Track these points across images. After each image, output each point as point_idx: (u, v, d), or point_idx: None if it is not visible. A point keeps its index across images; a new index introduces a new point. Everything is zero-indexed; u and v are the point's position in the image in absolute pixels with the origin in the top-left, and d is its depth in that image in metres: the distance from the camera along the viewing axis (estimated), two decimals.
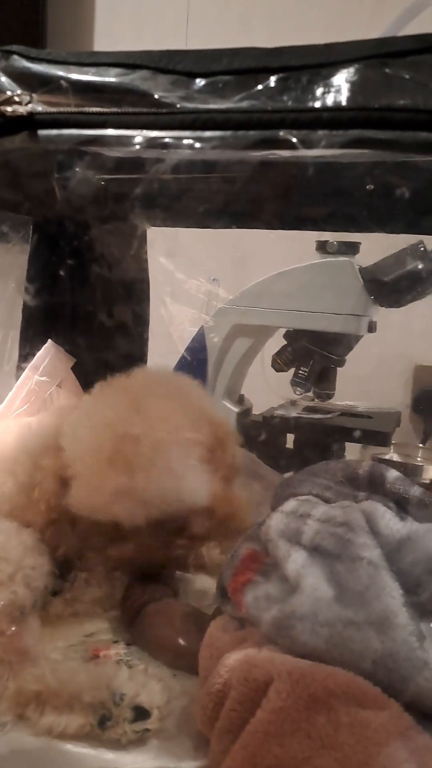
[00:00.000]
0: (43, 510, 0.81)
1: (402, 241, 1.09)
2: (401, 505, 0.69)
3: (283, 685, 0.53)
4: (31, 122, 0.51)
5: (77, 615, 0.81)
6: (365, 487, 0.73)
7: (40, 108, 0.52)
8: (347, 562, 0.60)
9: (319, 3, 1.77)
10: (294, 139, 0.46)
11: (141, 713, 0.61)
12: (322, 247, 1.12)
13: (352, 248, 1.11)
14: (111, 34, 1.87)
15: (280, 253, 1.15)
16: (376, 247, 1.11)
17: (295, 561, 0.62)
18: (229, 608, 0.69)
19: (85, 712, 0.61)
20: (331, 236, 1.11)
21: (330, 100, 0.47)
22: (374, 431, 1.15)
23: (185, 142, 0.49)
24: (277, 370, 1.20)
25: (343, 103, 0.46)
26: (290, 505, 0.69)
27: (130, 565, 0.83)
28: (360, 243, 1.11)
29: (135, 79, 0.52)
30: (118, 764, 0.60)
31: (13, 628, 0.70)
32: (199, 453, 0.78)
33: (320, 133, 0.46)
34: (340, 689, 0.53)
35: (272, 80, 0.49)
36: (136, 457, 0.73)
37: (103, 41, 1.87)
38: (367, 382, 1.39)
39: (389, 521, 0.63)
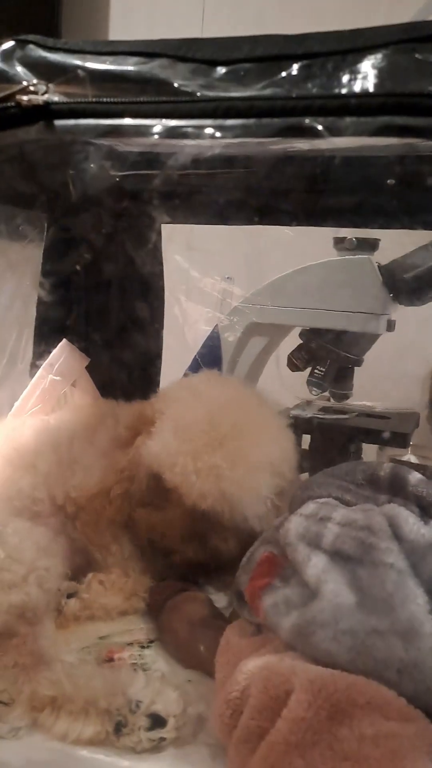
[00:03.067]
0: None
1: (422, 237, 1.07)
2: (424, 509, 0.67)
3: (304, 695, 0.51)
4: (47, 112, 0.50)
5: (93, 618, 0.80)
6: (386, 489, 0.71)
7: (56, 98, 0.50)
8: (370, 568, 0.58)
9: None
10: (320, 127, 0.44)
11: (157, 721, 0.60)
12: (340, 244, 1.10)
13: (371, 245, 1.09)
14: (126, 26, 1.86)
15: (296, 250, 1.13)
16: (396, 244, 1.09)
17: (316, 565, 0.60)
18: (246, 613, 0.68)
19: (101, 719, 0.60)
20: (349, 233, 1.09)
21: (357, 87, 0.45)
22: (392, 432, 1.13)
23: (207, 131, 0.47)
24: (293, 370, 1.18)
25: (371, 89, 0.45)
26: (309, 507, 0.67)
27: (146, 545, 0.84)
28: (379, 240, 1.09)
29: (154, 67, 0.50)
30: None
31: (26, 631, 0.69)
32: (276, 491, 0.81)
33: (348, 120, 0.44)
34: (364, 699, 0.51)
35: (296, 67, 0.47)
36: (241, 450, 0.78)
37: (118, 33, 1.86)
38: (383, 381, 1.37)
39: (413, 526, 0.61)
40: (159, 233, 1.08)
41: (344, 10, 1.72)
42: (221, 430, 0.78)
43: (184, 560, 0.82)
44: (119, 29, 1.87)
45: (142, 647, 0.76)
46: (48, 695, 0.62)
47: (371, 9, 1.68)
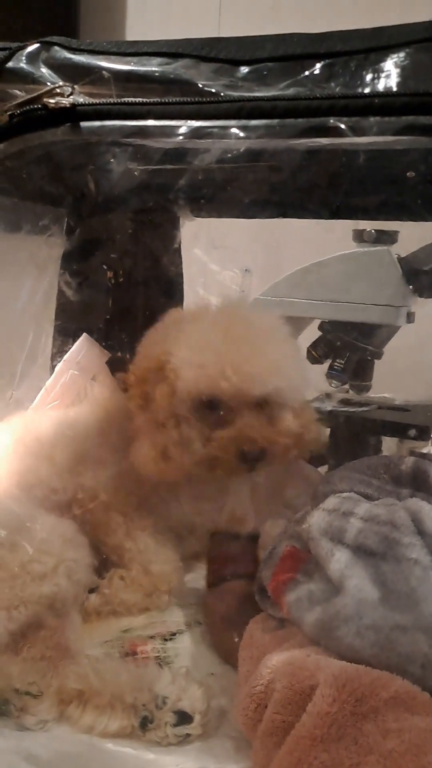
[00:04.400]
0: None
1: None
2: None
3: (329, 690, 0.52)
4: (73, 114, 0.50)
5: (114, 613, 0.81)
6: (408, 484, 0.71)
7: (82, 99, 0.51)
8: (393, 563, 0.59)
9: None
10: (344, 126, 0.44)
11: (183, 718, 0.61)
12: (359, 236, 1.09)
13: (390, 237, 1.08)
14: (142, 19, 1.86)
15: (315, 243, 1.13)
16: (415, 236, 1.08)
17: (339, 561, 0.61)
18: (269, 607, 0.68)
19: (127, 713, 0.61)
20: (368, 225, 1.08)
21: (380, 86, 0.45)
22: (412, 425, 1.13)
23: (231, 131, 0.47)
24: (313, 362, 1.18)
25: (394, 88, 0.45)
26: (332, 502, 0.68)
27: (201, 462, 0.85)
28: (398, 232, 1.08)
29: (177, 68, 0.50)
30: (159, 765, 0.59)
31: (54, 623, 0.70)
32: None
33: (371, 119, 0.44)
34: (388, 694, 0.52)
35: (319, 66, 0.48)
36: (264, 337, 0.86)
37: (136, 30, 1.86)
38: (402, 374, 1.37)
39: None
40: (179, 228, 1.08)
41: (361, 6, 1.70)
42: (236, 331, 0.84)
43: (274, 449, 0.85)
44: (136, 26, 1.87)
45: (165, 640, 0.77)
46: (75, 689, 0.63)
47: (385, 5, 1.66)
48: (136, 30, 1.87)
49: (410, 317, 1.10)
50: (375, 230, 1.07)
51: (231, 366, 0.80)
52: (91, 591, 0.82)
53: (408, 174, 0.79)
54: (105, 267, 1.06)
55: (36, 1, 1.69)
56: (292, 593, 0.63)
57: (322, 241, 1.12)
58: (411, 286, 1.07)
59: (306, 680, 0.54)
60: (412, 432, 1.12)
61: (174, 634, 0.78)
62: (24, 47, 0.55)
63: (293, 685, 0.54)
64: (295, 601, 0.62)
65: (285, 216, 0.93)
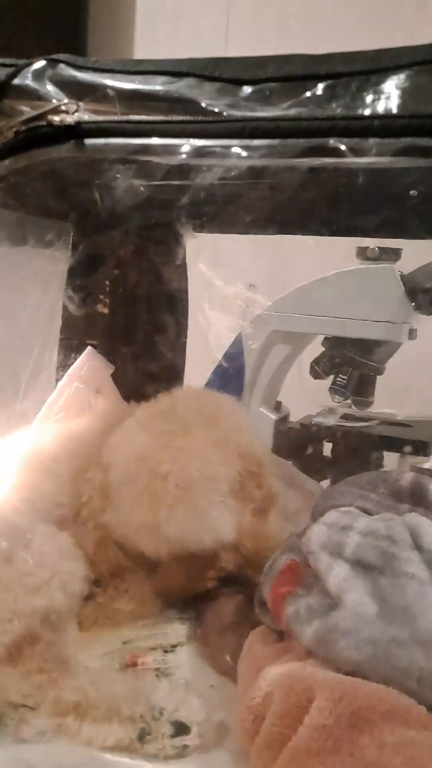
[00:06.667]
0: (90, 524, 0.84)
1: None
2: None
3: (325, 702, 0.52)
4: (78, 131, 0.51)
5: (113, 621, 0.81)
6: (408, 499, 0.71)
7: (86, 117, 0.52)
8: (391, 577, 0.59)
9: (357, 3, 1.75)
10: (344, 147, 0.45)
11: (181, 729, 0.61)
12: (363, 253, 1.10)
13: (393, 254, 1.09)
14: (151, 42, 1.88)
15: (319, 259, 1.14)
16: (418, 253, 1.09)
17: (338, 575, 0.61)
18: (269, 620, 0.69)
19: (124, 725, 0.61)
20: (371, 242, 1.09)
21: (380, 108, 0.46)
22: (414, 440, 1.13)
23: (233, 150, 0.48)
24: (316, 378, 1.19)
25: (394, 110, 0.45)
26: (331, 516, 0.68)
27: (161, 593, 0.83)
28: (401, 249, 1.09)
29: (181, 87, 0.51)
30: None
31: (50, 637, 0.70)
32: (227, 488, 0.79)
33: (371, 141, 0.45)
34: (384, 708, 0.52)
35: (321, 87, 0.48)
36: (161, 494, 0.75)
37: (144, 48, 1.88)
38: (404, 390, 1.37)
39: None
40: (182, 245, 1.09)
41: (368, 16, 1.72)
42: (157, 478, 0.76)
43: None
44: (145, 41, 1.89)
45: (165, 652, 0.77)
46: (72, 701, 0.63)
47: (395, 15, 1.68)
48: (145, 48, 1.89)
49: (412, 334, 1.11)
50: (378, 247, 1.09)
51: (148, 529, 0.76)
52: (86, 598, 0.82)
53: (411, 192, 0.80)
54: (108, 282, 1.07)
55: (46, 20, 1.72)
56: (291, 606, 0.64)
57: (325, 257, 1.13)
58: (413, 303, 1.08)
59: (303, 693, 0.54)
60: (413, 447, 1.13)
61: (175, 646, 0.78)
62: (30, 64, 0.56)
63: (290, 697, 0.54)
64: (294, 614, 0.63)
65: (286, 233, 0.94)
